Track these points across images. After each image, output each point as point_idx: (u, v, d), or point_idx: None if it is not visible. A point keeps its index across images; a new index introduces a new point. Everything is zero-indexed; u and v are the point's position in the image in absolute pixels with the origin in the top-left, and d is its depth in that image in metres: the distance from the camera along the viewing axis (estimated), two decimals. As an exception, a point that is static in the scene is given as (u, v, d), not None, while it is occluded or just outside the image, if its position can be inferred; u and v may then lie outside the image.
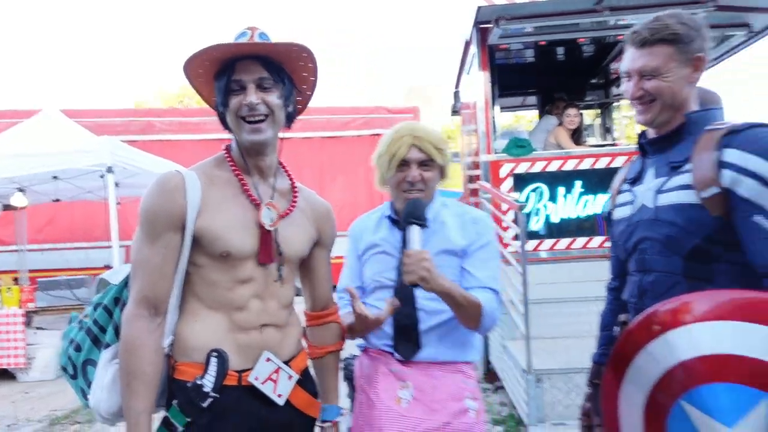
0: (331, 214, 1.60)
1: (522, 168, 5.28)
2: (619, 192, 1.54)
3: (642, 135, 1.48)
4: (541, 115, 6.93)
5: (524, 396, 3.46)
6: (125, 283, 1.42)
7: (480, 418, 1.64)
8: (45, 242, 10.00)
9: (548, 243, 5.34)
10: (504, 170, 5.29)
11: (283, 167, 1.51)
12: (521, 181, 5.29)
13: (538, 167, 5.28)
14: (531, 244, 5.30)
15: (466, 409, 1.61)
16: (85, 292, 6.08)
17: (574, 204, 5.23)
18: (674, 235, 1.29)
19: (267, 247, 1.37)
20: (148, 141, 10.26)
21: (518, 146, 5.24)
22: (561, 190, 5.29)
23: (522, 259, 3.43)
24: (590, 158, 5.20)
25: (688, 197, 1.28)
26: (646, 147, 1.46)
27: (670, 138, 1.38)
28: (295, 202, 1.47)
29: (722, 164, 1.22)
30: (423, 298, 1.64)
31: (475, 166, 5.92)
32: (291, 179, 1.51)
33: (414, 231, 1.53)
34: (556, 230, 5.32)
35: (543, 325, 3.96)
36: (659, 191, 1.35)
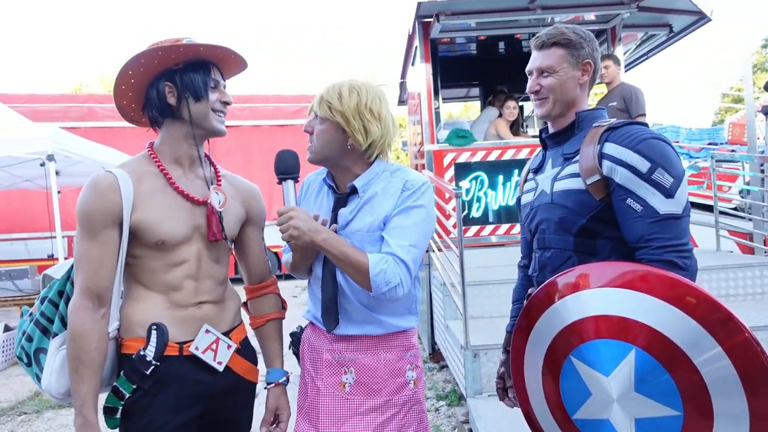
0: (257, 193, 1.74)
1: (463, 157, 5.52)
2: (526, 180, 1.75)
3: (543, 131, 1.69)
4: (483, 107, 7.20)
5: (462, 371, 3.69)
6: (67, 276, 1.54)
7: (419, 385, 1.70)
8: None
9: (489, 228, 5.63)
10: (446, 159, 5.52)
11: (207, 157, 1.65)
12: (463, 169, 5.54)
13: (478, 157, 5.54)
14: (473, 230, 5.57)
15: (406, 382, 1.67)
16: (27, 283, 5.92)
17: (512, 192, 5.53)
18: (566, 217, 1.50)
19: (215, 226, 1.53)
20: (90, 128, 9.93)
21: (460, 136, 5.48)
22: (500, 178, 5.58)
23: (459, 244, 3.64)
24: (527, 148, 5.50)
25: (576, 184, 1.48)
26: (546, 141, 1.67)
27: (564, 133, 1.60)
28: (219, 185, 1.60)
29: (602, 156, 1.43)
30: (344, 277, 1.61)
31: (421, 155, 6.13)
32: (214, 166, 1.65)
33: (287, 187, 1.55)
34: (495, 216, 5.61)
35: (482, 305, 4.19)
36: (555, 179, 1.56)
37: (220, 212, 1.55)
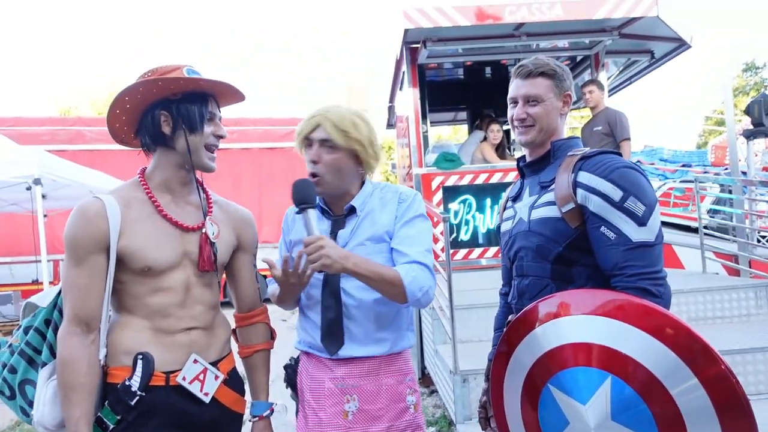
0: (250, 220, 1.73)
1: (451, 181, 5.56)
2: (505, 208, 1.76)
3: (521, 159, 1.72)
4: (470, 130, 7.27)
5: (452, 396, 3.66)
6: (54, 305, 1.52)
7: (418, 409, 1.72)
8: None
9: (477, 251, 5.65)
10: (435, 183, 5.56)
11: (199, 183, 1.64)
12: (451, 193, 5.57)
13: (466, 180, 5.59)
14: (461, 253, 5.58)
15: (407, 407, 1.68)
16: (11, 309, 5.82)
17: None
18: (543, 244, 1.52)
19: (207, 256, 1.53)
20: (78, 151, 9.90)
21: (447, 160, 5.53)
22: (488, 201, 5.62)
23: (447, 268, 3.64)
24: (514, 171, 5.55)
25: (552, 212, 1.50)
26: (523, 169, 1.70)
27: (541, 161, 1.62)
28: (209, 214, 1.60)
29: (576, 184, 1.45)
30: (350, 289, 1.62)
31: (409, 178, 6.17)
32: (206, 192, 1.65)
33: (309, 216, 1.51)
34: (484, 239, 5.63)
35: (472, 329, 4.16)
36: (532, 207, 1.58)
37: (214, 243, 1.55)
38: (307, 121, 1.63)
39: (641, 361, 1.17)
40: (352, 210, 1.65)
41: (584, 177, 1.45)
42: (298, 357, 1.81)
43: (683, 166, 13.03)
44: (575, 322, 1.30)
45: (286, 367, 1.84)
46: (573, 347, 1.28)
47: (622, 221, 1.37)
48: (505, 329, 1.49)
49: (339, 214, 1.67)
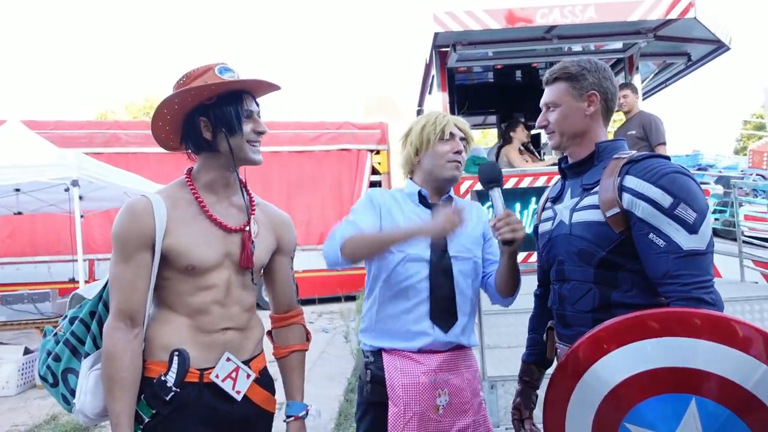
0: (289, 223, 1.76)
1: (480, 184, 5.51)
2: (544, 209, 1.73)
3: (562, 161, 1.68)
4: (500, 134, 7.19)
5: (480, 402, 3.61)
6: (99, 297, 1.56)
7: (484, 404, 1.80)
8: (5, 256, 9.80)
9: (506, 256, 5.56)
10: (464, 186, 5.51)
11: (243, 184, 1.67)
12: (480, 197, 5.52)
13: (495, 184, 5.53)
14: (489, 258, 5.52)
15: (481, 401, 1.76)
16: (48, 306, 6.00)
17: (530, 220, 5.48)
18: (585, 249, 1.47)
19: (248, 253, 1.56)
20: (114, 154, 10.17)
21: (476, 164, 5.48)
22: (518, 206, 5.54)
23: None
24: (544, 176, 5.47)
25: (595, 216, 1.45)
26: (565, 170, 1.66)
27: (584, 163, 1.58)
28: (252, 214, 1.63)
29: (622, 188, 1.40)
30: (457, 275, 1.75)
31: (438, 182, 6.12)
32: (249, 194, 1.67)
33: (495, 194, 1.65)
34: (513, 244, 5.55)
35: (500, 335, 4.12)
36: (574, 210, 1.54)
37: (254, 241, 1.58)
38: (444, 119, 1.84)
39: (726, 375, 1.10)
40: (450, 199, 1.85)
41: (631, 182, 1.40)
42: (371, 355, 1.81)
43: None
44: (635, 349, 1.21)
45: (367, 365, 1.81)
46: (640, 377, 1.20)
47: (672, 228, 1.32)
48: (548, 338, 1.44)
49: (436, 201, 1.85)
